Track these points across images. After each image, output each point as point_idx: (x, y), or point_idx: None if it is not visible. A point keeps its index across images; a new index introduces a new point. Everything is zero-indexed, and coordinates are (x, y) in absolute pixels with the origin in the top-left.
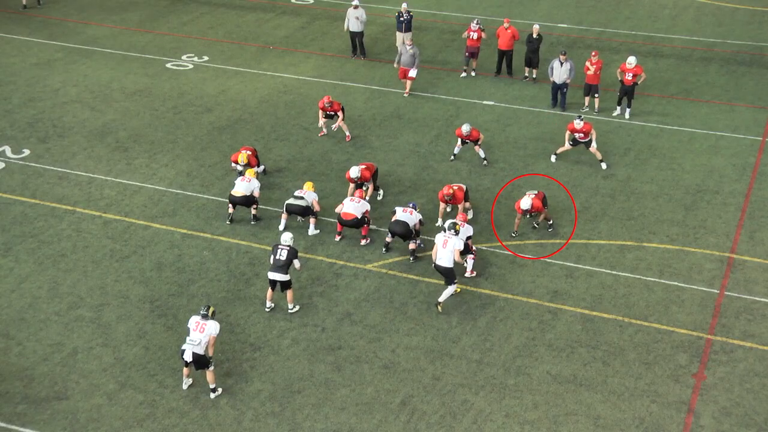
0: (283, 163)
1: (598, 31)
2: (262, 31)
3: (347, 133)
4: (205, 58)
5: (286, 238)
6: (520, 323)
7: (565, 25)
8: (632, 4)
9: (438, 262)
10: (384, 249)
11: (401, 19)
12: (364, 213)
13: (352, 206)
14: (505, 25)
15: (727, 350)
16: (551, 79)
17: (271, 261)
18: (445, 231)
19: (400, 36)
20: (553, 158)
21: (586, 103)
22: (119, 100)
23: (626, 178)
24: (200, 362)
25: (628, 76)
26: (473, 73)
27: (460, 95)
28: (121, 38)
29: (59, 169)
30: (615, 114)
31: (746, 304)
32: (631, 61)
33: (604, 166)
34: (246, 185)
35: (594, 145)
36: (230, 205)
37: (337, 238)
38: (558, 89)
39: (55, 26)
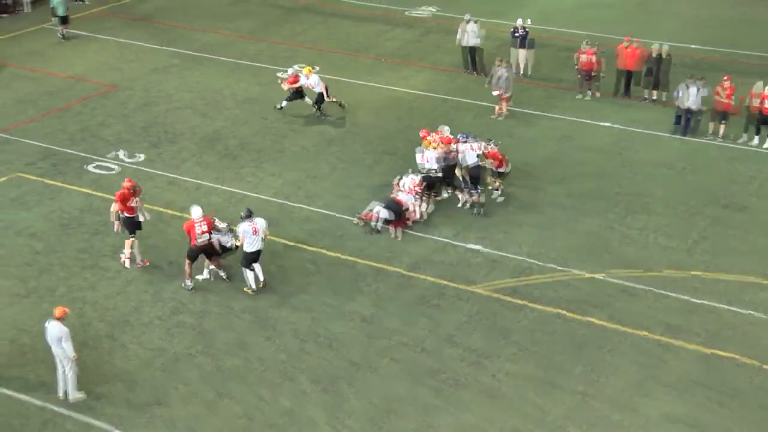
0: (389, 177)
1: (727, 51)
2: (374, 42)
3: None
4: (317, 68)
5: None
6: (631, 356)
7: (691, 45)
8: (766, 23)
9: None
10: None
11: (516, 34)
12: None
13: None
14: (625, 43)
15: None
16: (676, 103)
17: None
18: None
19: (514, 52)
20: None
21: (711, 130)
22: (230, 107)
23: (751, 208)
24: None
25: (766, 104)
26: (588, 97)
27: (576, 115)
28: (234, 46)
29: (169, 175)
30: (741, 141)
31: None
32: (759, 85)
33: None
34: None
35: None
36: None
37: (355, 221)
38: (685, 114)
39: (171, 33)
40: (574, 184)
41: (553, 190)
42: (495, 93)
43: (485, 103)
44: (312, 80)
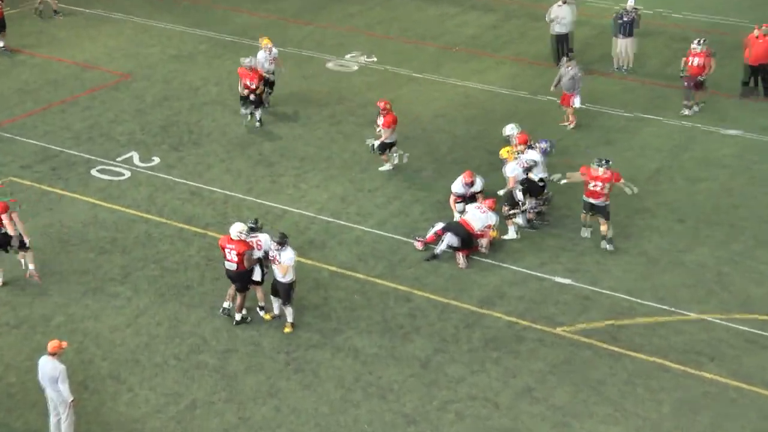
0: None
1: None
2: (444, 28)
3: None
4: (374, 58)
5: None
6: (759, 424)
7: None
8: None
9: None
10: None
11: (621, 20)
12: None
13: (477, 216)
14: (756, 32)
15: None
16: None
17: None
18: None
19: (618, 42)
20: None
21: None
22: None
23: None
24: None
25: None
26: (696, 109)
27: (693, 120)
28: (275, 29)
29: (191, 183)
30: None
31: None
32: None
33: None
34: None
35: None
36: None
37: (420, 246)
38: None
39: (201, 13)
40: (687, 206)
41: (661, 213)
42: (576, 102)
43: (581, 105)
44: (274, 52)
